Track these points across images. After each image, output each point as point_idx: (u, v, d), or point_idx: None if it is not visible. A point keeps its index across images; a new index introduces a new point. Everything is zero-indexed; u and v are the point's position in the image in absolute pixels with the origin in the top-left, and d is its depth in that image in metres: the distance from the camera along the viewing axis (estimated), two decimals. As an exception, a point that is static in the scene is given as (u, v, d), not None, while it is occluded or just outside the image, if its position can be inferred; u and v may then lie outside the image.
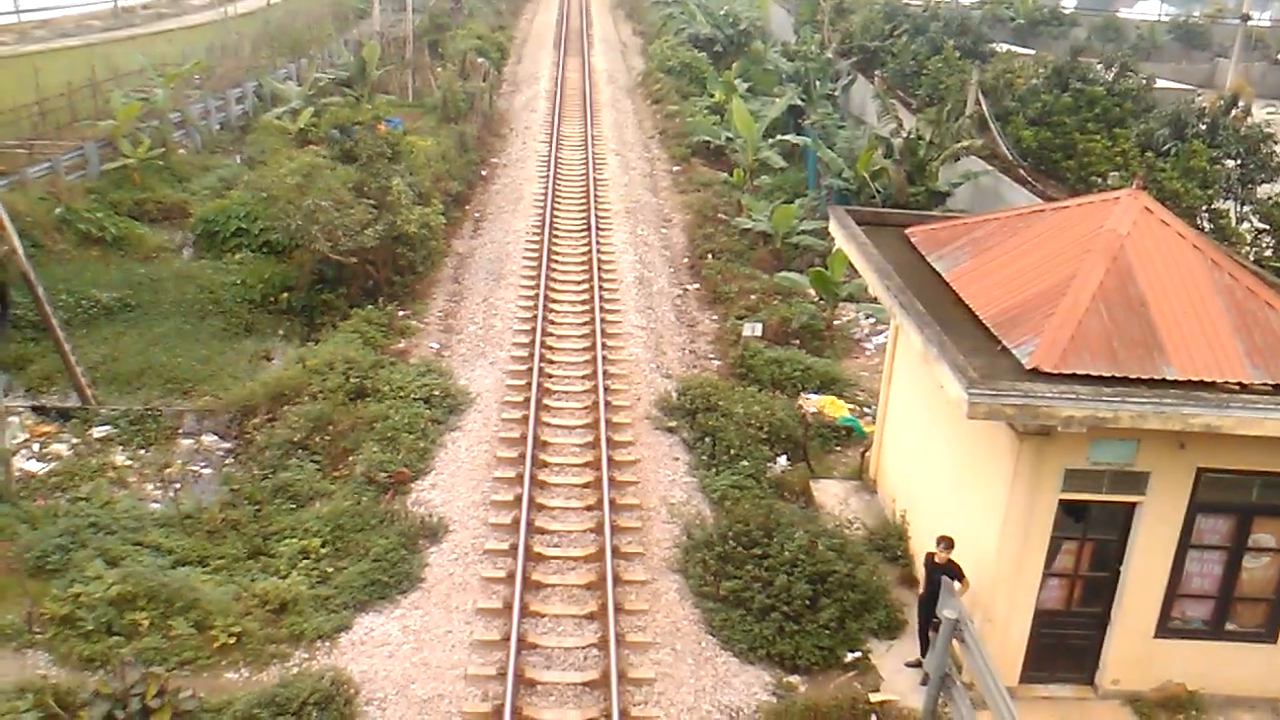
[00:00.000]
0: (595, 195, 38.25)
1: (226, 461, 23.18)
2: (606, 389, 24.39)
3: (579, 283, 30.72)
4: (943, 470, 17.71)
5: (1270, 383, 14.52)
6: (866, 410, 24.25)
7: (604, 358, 25.87)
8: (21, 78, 40.62)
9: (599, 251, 32.80)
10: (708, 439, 22.59)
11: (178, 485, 22.01)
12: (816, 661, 16.69)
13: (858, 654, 16.89)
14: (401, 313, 29.22)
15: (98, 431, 23.59)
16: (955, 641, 13.94)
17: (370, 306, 28.75)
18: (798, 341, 27.70)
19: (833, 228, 20.92)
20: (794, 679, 16.48)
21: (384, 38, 58.76)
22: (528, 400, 23.71)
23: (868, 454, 21.89)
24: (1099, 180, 30.69)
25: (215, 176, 37.58)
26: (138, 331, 27.82)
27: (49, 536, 18.59)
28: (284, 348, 28.15)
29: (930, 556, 15.86)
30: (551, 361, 25.96)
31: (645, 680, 16.17)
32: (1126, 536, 15.42)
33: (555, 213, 36.42)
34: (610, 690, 15.63)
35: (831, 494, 21.07)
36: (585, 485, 21.09)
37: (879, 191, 33.92)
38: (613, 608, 17.28)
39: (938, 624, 14.12)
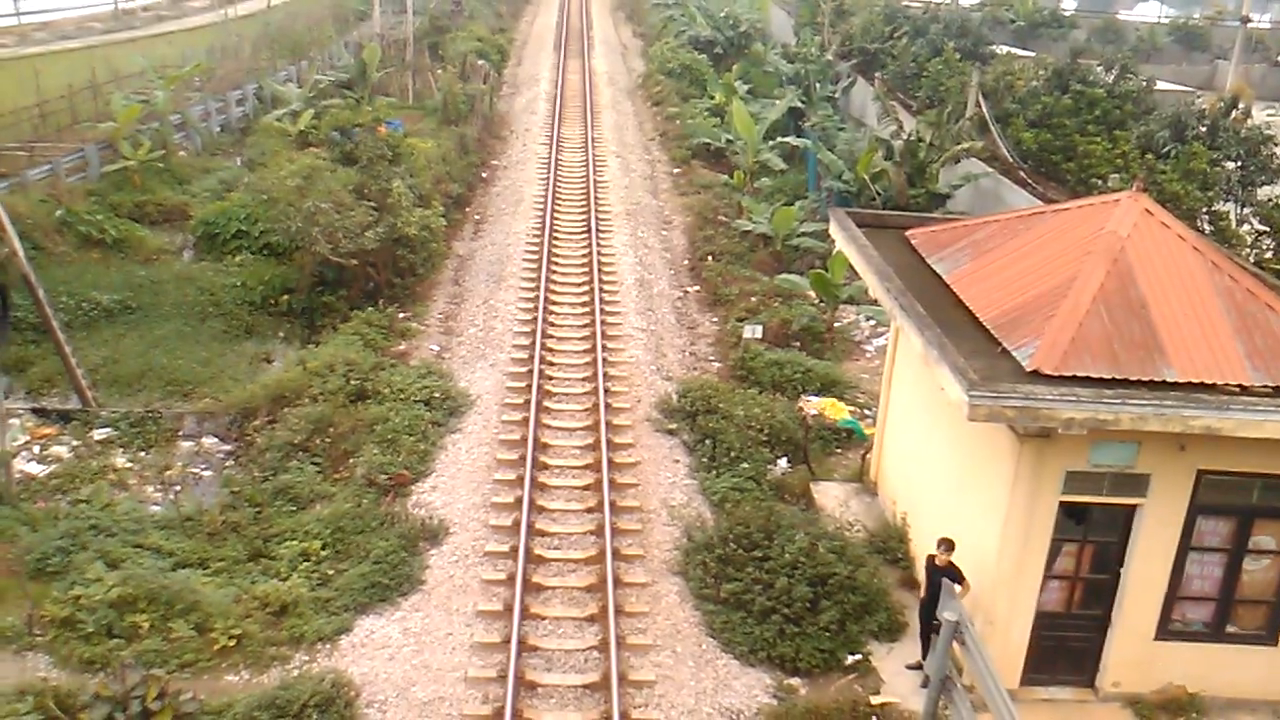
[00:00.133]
0: (595, 197, 38.26)
1: (227, 464, 23.18)
2: (607, 391, 24.39)
3: (579, 285, 30.72)
4: (943, 472, 17.71)
5: (1271, 385, 14.51)
6: (867, 412, 24.25)
7: (604, 360, 25.88)
8: (22, 80, 40.63)
9: (599, 253, 32.81)
10: (708, 441, 22.59)
11: (178, 487, 22.01)
12: (817, 664, 16.70)
13: (858, 656, 16.90)
14: (402, 315, 29.22)
15: (98, 434, 23.59)
16: (956, 644, 13.93)
17: (371, 309, 28.75)
18: (798, 344, 27.70)
19: (833, 230, 20.93)
20: (794, 681, 16.48)
21: (384, 40, 58.74)
22: (528, 402, 23.71)
23: (868, 456, 21.89)
24: (1099, 182, 30.66)
25: (215, 179, 37.57)
26: (138, 334, 27.82)
27: (49, 539, 18.60)
28: (284, 350, 28.17)
29: (931, 559, 15.85)
30: (552, 364, 25.96)
31: (646, 683, 16.17)
32: (1127, 539, 15.42)
33: (555, 215, 36.43)
34: (611, 693, 15.63)
35: (832, 496, 21.06)
36: (585, 487, 21.09)
37: (879, 194, 33.91)
38: (613, 610, 17.28)
39: (938, 626, 14.12)
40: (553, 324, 28.07)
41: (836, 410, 24.30)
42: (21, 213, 29.09)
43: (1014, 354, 15.09)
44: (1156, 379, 14.47)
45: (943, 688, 14.26)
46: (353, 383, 24.14)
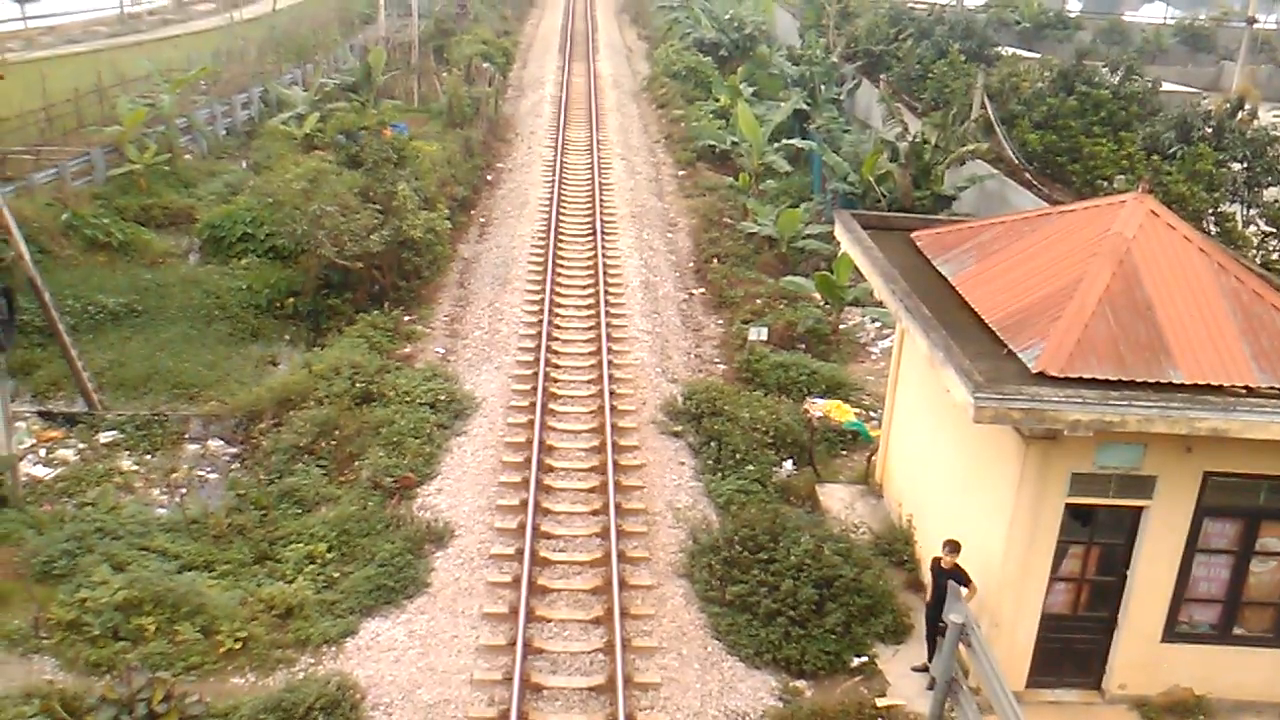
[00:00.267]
0: (600, 200, 38.27)
1: (232, 467, 23.22)
2: (612, 393, 24.38)
3: (584, 287, 30.73)
4: (949, 474, 17.69)
5: (1277, 386, 14.47)
6: (872, 415, 24.23)
7: (609, 362, 25.87)
8: (28, 84, 40.73)
9: (604, 256, 32.82)
10: (713, 443, 22.57)
11: (184, 490, 22.04)
12: (823, 666, 16.67)
13: (864, 659, 16.86)
14: (407, 318, 29.24)
15: (104, 437, 23.64)
16: (962, 646, 13.90)
17: (376, 311, 28.77)
18: (803, 346, 27.71)
19: (838, 232, 20.91)
20: (800, 684, 16.45)
21: (390, 43, 58.84)
22: (533, 405, 23.71)
23: (874, 458, 21.88)
24: (1105, 184, 30.63)
25: (221, 182, 37.65)
26: (144, 337, 27.86)
27: (55, 542, 18.61)
28: (290, 353, 28.21)
29: (936, 561, 15.83)
30: (557, 366, 25.96)
31: (651, 685, 16.15)
32: (1133, 541, 15.38)
33: (561, 217, 36.44)
34: (616, 695, 15.61)
35: (837, 498, 21.04)
36: (591, 490, 21.09)
37: (884, 196, 33.90)
38: (619, 612, 17.27)
39: (944, 628, 14.09)
40: (558, 326, 28.07)
41: (842, 412, 24.27)
42: (28, 216, 29.16)
43: (1020, 356, 15.06)
44: (1162, 380, 14.44)
45: (949, 690, 14.22)
46: (358, 386, 24.15)
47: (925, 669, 16.24)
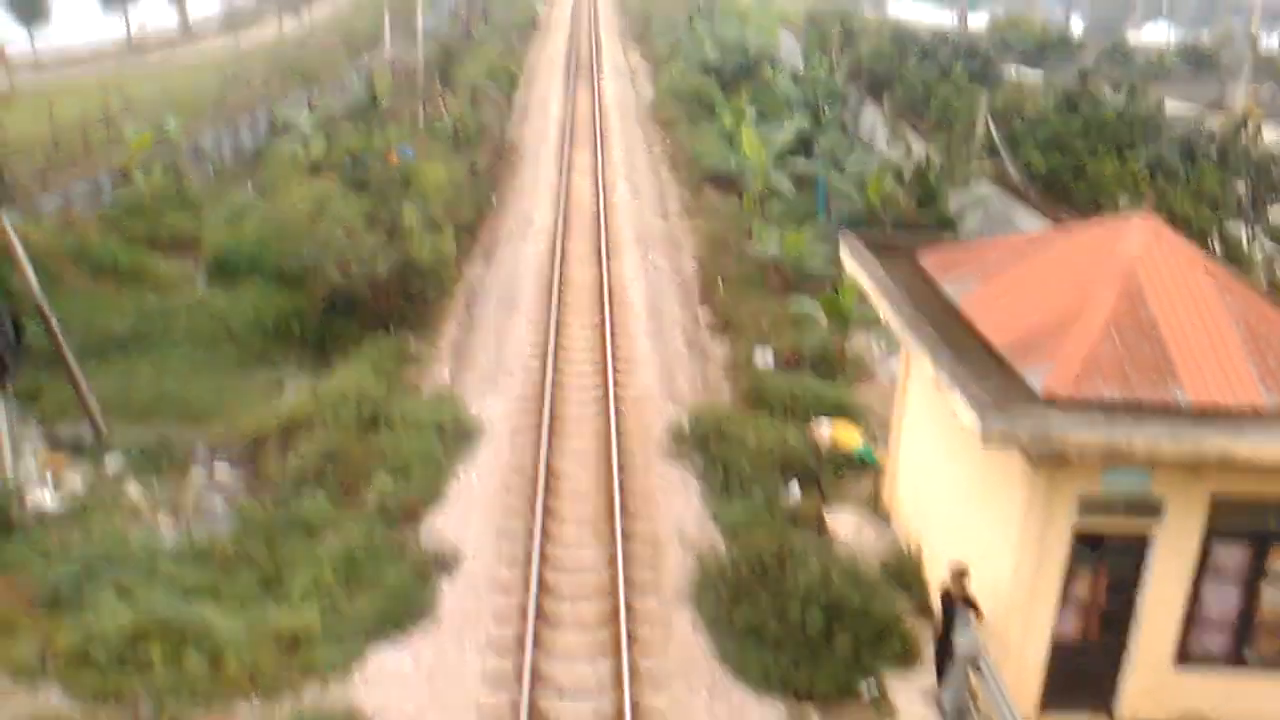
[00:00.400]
0: (606, 222, 38.34)
1: (239, 493, 23.17)
2: (618, 417, 24.35)
3: (590, 310, 30.75)
4: (956, 498, 17.63)
5: (1285, 408, 14.43)
6: (879, 438, 24.16)
7: (615, 385, 25.86)
8: (36, 110, 40.95)
9: (609, 279, 32.85)
10: (720, 468, 22.52)
11: (190, 517, 22.00)
12: (832, 693, 16.56)
13: (873, 685, 16.76)
14: (413, 342, 29.22)
15: (111, 463, 23.63)
16: (971, 672, 13.86)
17: (382, 335, 28.76)
18: (809, 368, 27.63)
19: (843, 253, 20.92)
20: (809, 710, 16.36)
21: (395, 67, 59.10)
22: (539, 429, 23.69)
23: (881, 482, 21.81)
24: (1109, 204, 30.67)
25: (228, 206, 37.71)
26: (150, 362, 27.87)
27: (62, 569, 18.57)
28: (296, 377, 28.17)
29: (945, 586, 15.76)
30: (563, 390, 25.94)
31: (659, 712, 16.07)
32: (1142, 565, 15.31)
33: (566, 240, 36.50)
34: (624, 722, 15.54)
35: (845, 523, 20.96)
36: (597, 515, 21.04)
37: (889, 217, 33.93)
38: (626, 639, 17.21)
39: (954, 654, 14.05)
40: (564, 349, 28.08)
41: (849, 435, 24.21)
42: (35, 242, 29.17)
43: (1026, 378, 15.03)
44: (1169, 401, 14.40)
45: (959, 716, 14.18)
46: (364, 410, 24.10)
47: (935, 695, 16.16)
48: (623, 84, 68.41)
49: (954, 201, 34.99)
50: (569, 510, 21.21)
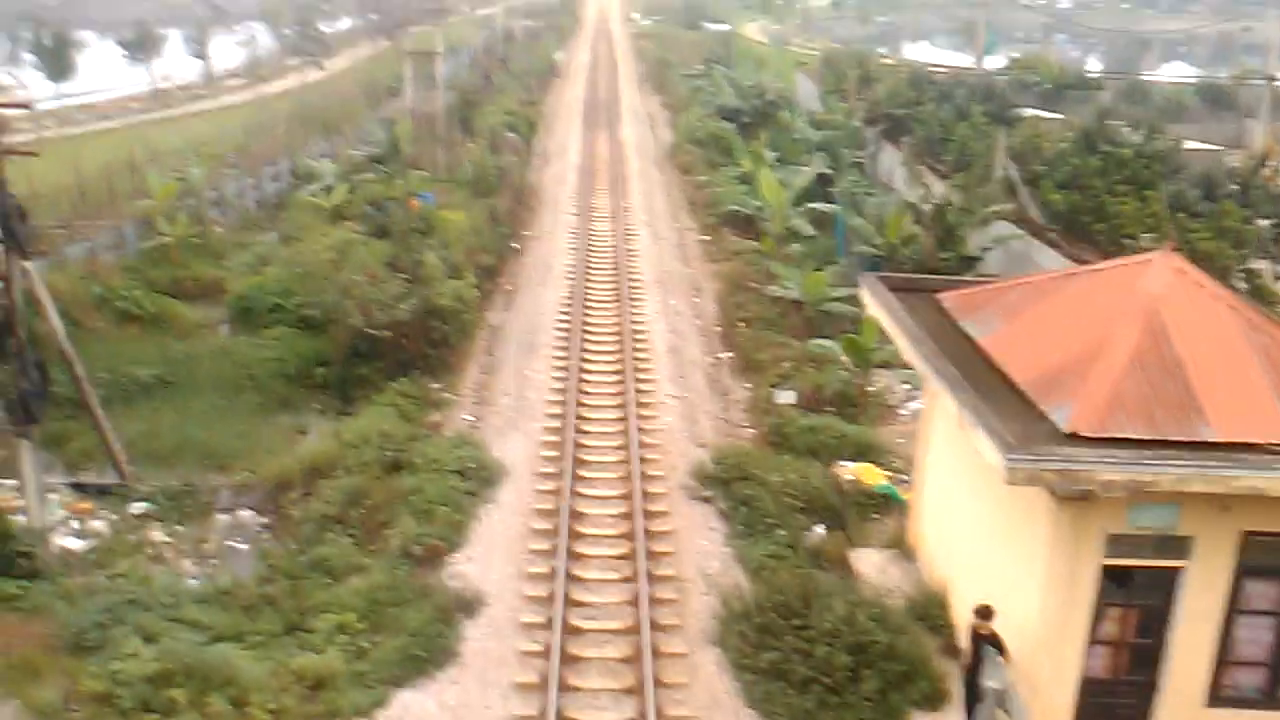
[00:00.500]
0: (626, 266, 38.50)
1: (263, 537, 23.22)
2: (640, 459, 24.34)
3: (611, 353, 30.81)
4: (982, 537, 17.52)
5: (1314, 443, 14.33)
6: (903, 477, 24.06)
7: (637, 427, 25.85)
8: (62, 160, 41.46)
9: (630, 321, 32.94)
10: (743, 508, 22.45)
11: (214, 561, 22.06)
12: (859, 734, 16.42)
13: (901, 726, 16.61)
14: (435, 385, 29.33)
15: (135, 508, 23.73)
16: (1000, 712, 13.73)
17: (404, 380, 28.85)
18: (832, 408, 27.57)
19: (864, 295, 20.93)
20: (836, 752, 16.21)
21: (416, 114, 59.62)
22: (562, 471, 23.69)
23: (906, 521, 21.70)
24: (1130, 242, 30.63)
25: (251, 253, 38.04)
26: (175, 408, 28.03)
27: (86, 613, 18.61)
28: (319, 422, 28.27)
29: (973, 627, 15.64)
30: (585, 432, 25.96)
31: (685, 755, 15.96)
32: (1172, 602, 15.17)
33: (586, 284, 36.65)
34: (650, 765, 15.42)
35: (870, 562, 20.84)
36: (621, 557, 20.97)
37: (909, 258, 33.96)
38: (651, 681, 17.11)
39: (981, 694, 13.92)
40: (585, 392, 28.11)
41: (872, 475, 24.13)
42: (61, 290, 29.51)
43: (1051, 416, 14.98)
44: (1195, 439, 14.32)
45: (988, 757, 14.03)
46: (387, 454, 24.19)
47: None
48: (641, 129, 68.89)
49: (974, 241, 35.01)
50: (592, 551, 21.15)
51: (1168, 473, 13.73)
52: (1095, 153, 34.53)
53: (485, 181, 48.16)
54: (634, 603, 19.35)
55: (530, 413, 27.35)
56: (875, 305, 20.17)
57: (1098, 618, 15.19)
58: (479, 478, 23.79)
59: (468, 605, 19.41)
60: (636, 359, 30.13)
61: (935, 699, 17.04)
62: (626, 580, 20.19)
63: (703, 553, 21.42)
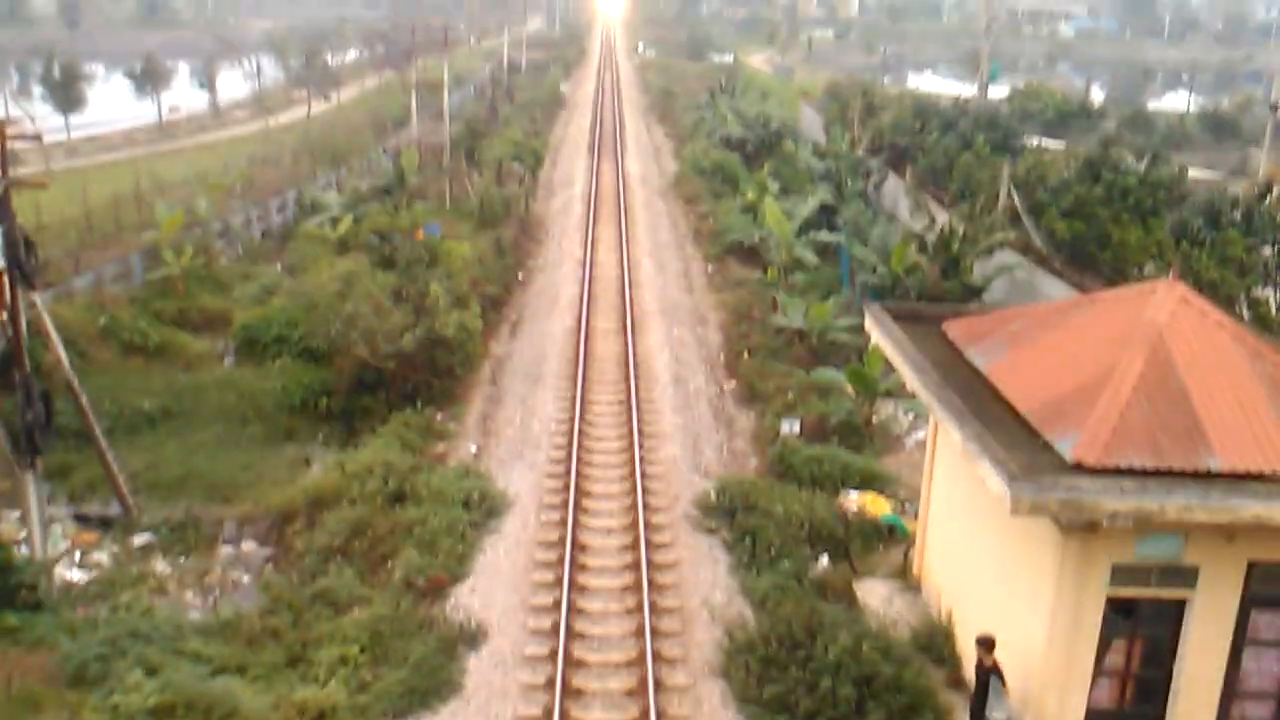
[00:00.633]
0: (631, 296, 38.54)
1: (266, 568, 23.17)
2: (645, 490, 24.27)
3: (616, 383, 30.79)
4: (987, 568, 17.42)
5: (1320, 473, 14.25)
6: (908, 507, 23.98)
7: (642, 458, 25.80)
8: (70, 191, 41.70)
9: (635, 352, 32.94)
10: (748, 539, 22.36)
11: (217, 593, 22.01)
12: (864, 767, 16.29)
13: (906, 759, 16.48)
14: (440, 416, 29.33)
15: (138, 539, 23.70)
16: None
17: (409, 410, 28.88)
18: (836, 438, 27.54)
19: (869, 324, 20.91)
20: (841, 786, 16.07)
21: (422, 146, 59.96)
22: (566, 502, 23.62)
23: (911, 552, 21.59)
24: (1135, 271, 30.63)
25: (257, 284, 38.17)
26: (179, 439, 28.05)
27: (89, 646, 18.53)
28: (324, 453, 28.26)
29: (978, 658, 15.54)
30: (589, 463, 25.90)
31: (689, 788, 15.83)
32: (1178, 632, 15.06)
33: (591, 314, 36.68)
34: (653, 799, 15.30)
35: (875, 594, 20.72)
36: (625, 588, 20.88)
37: (913, 287, 33.96)
38: (655, 714, 16.99)
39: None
40: (590, 423, 28.07)
41: (877, 505, 24.05)
42: (66, 321, 29.61)
43: (1055, 446, 14.92)
44: (1200, 469, 14.25)
45: (994, 791, 13.90)
46: (391, 485, 24.16)
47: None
48: (646, 160, 69.12)
49: (978, 271, 35.02)
50: (596, 583, 21.06)
51: (1173, 502, 13.66)
52: (1099, 181, 34.52)
53: (491, 212, 48.35)
54: (637, 634, 19.25)
55: (534, 443, 27.31)
56: (879, 335, 20.15)
57: (1103, 648, 15.09)
58: (482, 509, 23.73)
59: (470, 637, 19.32)
60: (641, 389, 30.10)
61: (941, 732, 16.92)
62: (630, 612, 20.10)
63: (707, 584, 21.31)
